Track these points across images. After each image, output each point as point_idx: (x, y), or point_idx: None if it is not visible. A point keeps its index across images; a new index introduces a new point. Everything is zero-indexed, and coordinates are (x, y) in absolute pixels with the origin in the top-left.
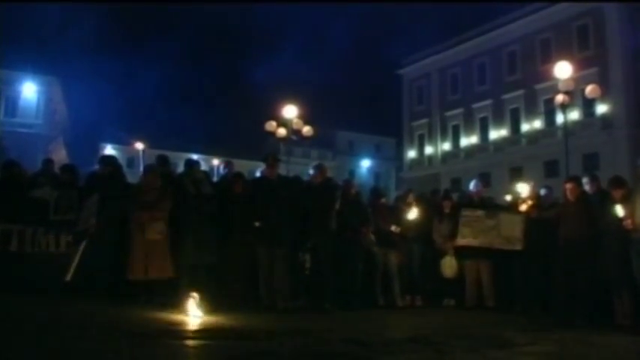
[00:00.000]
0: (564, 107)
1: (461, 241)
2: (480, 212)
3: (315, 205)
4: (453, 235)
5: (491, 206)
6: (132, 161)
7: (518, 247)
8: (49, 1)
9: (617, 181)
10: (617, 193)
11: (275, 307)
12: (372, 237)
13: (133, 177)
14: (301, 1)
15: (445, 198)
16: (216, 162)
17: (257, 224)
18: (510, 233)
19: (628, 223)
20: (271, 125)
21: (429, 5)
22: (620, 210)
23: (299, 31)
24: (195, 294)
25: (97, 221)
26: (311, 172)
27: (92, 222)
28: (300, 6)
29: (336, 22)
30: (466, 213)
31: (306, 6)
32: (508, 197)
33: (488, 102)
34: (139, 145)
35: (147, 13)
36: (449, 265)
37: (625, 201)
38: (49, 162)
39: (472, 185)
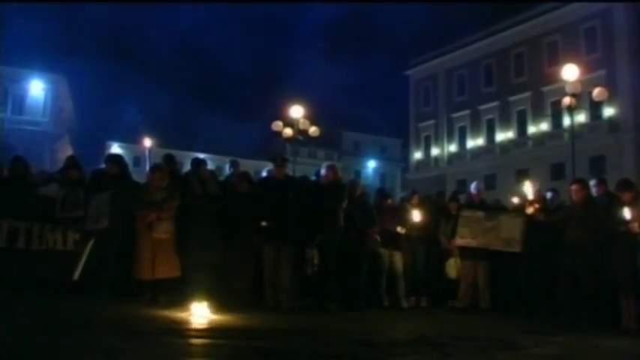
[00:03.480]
0: (571, 110)
1: (459, 242)
2: (479, 213)
3: (325, 204)
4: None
5: (492, 208)
6: (138, 160)
7: (517, 249)
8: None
9: (626, 184)
10: (626, 196)
11: (279, 306)
12: (378, 238)
13: (139, 176)
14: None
15: (452, 199)
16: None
17: (264, 224)
18: (510, 235)
19: (635, 226)
20: (278, 125)
21: (437, 5)
22: (627, 213)
23: (304, 30)
24: (200, 293)
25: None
26: (323, 171)
27: (105, 223)
28: (307, 5)
29: (341, 21)
30: (465, 214)
31: (315, 5)
32: (515, 200)
33: (494, 104)
34: (147, 143)
35: (150, 9)
36: (454, 266)
37: (633, 204)
38: (71, 159)
39: (472, 186)
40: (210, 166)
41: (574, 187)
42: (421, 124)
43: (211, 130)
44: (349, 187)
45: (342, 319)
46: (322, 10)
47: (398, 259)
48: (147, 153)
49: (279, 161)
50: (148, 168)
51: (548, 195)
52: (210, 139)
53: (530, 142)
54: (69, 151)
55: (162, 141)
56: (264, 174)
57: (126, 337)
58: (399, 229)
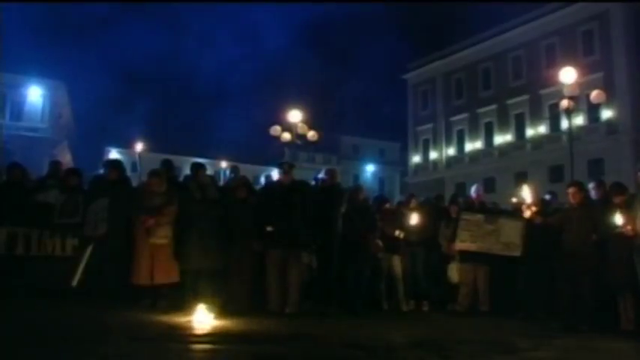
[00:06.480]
0: (569, 112)
1: (459, 245)
2: (479, 216)
3: (323, 208)
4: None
5: (492, 211)
6: (136, 165)
7: (517, 253)
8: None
9: (618, 188)
10: (618, 200)
11: (282, 311)
12: (380, 243)
13: (137, 181)
14: (305, 1)
15: (452, 203)
16: (224, 165)
17: (269, 229)
18: (509, 239)
19: (628, 229)
20: (276, 130)
21: (434, 8)
22: (618, 217)
23: (302, 34)
24: (199, 298)
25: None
26: (321, 175)
27: (103, 228)
28: (304, 6)
29: (338, 25)
30: (465, 217)
31: (311, 7)
32: (514, 199)
33: (493, 107)
34: (138, 147)
35: (150, 9)
36: (456, 271)
37: (625, 207)
38: (56, 164)
39: (472, 190)
40: (209, 171)
41: (571, 189)
42: (419, 128)
43: (210, 134)
44: (352, 192)
45: (342, 323)
46: (319, 10)
47: (396, 262)
48: (137, 157)
49: (287, 168)
50: (139, 172)
51: (547, 197)
52: (208, 143)
53: (528, 145)
54: (68, 157)
55: (159, 146)
56: (262, 179)
57: (125, 343)
58: (397, 232)
